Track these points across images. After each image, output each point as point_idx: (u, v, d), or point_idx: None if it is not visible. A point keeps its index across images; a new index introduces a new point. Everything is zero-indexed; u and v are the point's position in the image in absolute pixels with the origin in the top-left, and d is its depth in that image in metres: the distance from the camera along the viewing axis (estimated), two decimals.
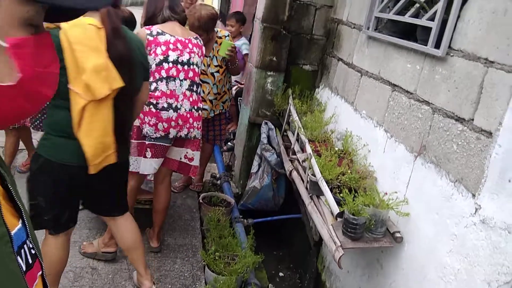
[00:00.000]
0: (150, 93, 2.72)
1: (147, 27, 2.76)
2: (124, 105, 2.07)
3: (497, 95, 1.56)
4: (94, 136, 1.97)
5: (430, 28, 1.92)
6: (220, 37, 3.56)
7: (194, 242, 3.40)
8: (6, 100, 0.58)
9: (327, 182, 2.27)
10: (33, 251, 0.69)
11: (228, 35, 3.60)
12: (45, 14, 0.64)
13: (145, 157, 2.84)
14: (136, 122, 2.77)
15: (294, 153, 2.97)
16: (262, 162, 3.39)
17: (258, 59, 3.48)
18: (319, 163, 2.39)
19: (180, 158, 3.02)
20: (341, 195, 2.14)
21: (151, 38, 2.70)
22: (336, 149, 2.66)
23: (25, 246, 0.67)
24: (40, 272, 0.71)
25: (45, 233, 2.27)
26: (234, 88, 4.65)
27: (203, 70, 3.47)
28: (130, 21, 3.58)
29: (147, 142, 2.80)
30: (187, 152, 3.01)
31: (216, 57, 3.55)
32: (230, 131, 4.98)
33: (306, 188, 2.50)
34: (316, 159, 2.45)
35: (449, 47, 1.83)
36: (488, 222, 1.54)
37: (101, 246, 2.96)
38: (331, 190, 2.24)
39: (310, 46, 3.47)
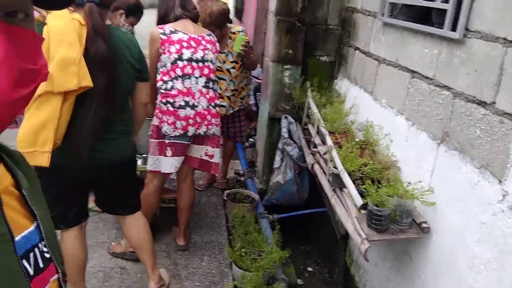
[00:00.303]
0: (167, 91, 2.74)
1: (160, 26, 2.77)
2: (98, 103, 2.00)
3: None
4: (33, 123, 1.89)
5: (445, 11, 1.86)
6: (234, 33, 3.54)
7: (220, 239, 3.42)
8: None
9: (349, 174, 2.24)
10: (47, 255, 0.69)
11: (242, 30, 3.59)
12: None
13: (165, 156, 2.86)
14: (155, 121, 2.80)
15: (315, 146, 2.94)
16: (285, 156, 3.37)
17: (274, 53, 3.45)
18: (340, 155, 2.36)
19: (201, 156, 3.03)
20: (364, 186, 2.10)
21: (164, 37, 2.72)
22: (357, 140, 2.62)
23: (36, 249, 0.67)
24: (55, 277, 0.71)
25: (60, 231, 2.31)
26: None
27: (218, 67, 3.46)
28: (136, 8, 3.58)
29: (166, 141, 2.82)
30: (207, 149, 3.02)
31: (231, 53, 3.54)
32: (251, 127, 4.97)
33: (329, 181, 2.47)
34: (337, 151, 2.42)
35: (466, 29, 1.77)
36: None
37: (128, 246, 3.01)
38: (353, 181, 2.21)
39: (326, 37, 3.42)
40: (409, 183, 2.05)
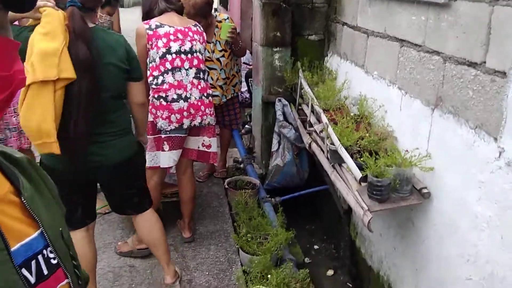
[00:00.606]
0: (158, 86, 2.73)
1: (145, 21, 2.75)
2: (79, 103, 2.01)
3: (506, 33, 1.50)
4: (31, 118, 1.93)
5: None
6: (220, 21, 3.53)
7: (225, 227, 3.44)
8: None
9: (346, 149, 2.25)
10: (53, 261, 0.68)
11: (227, 18, 3.57)
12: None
13: (163, 150, 2.87)
14: (150, 118, 2.80)
15: (311, 125, 2.95)
16: (282, 139, 3.38)
17: (262, 37, 3.44)
18: (336, 131, 2.37)
19: (198, 147, 3.04)
20: (362, 159, 2.11)
21: (150, 32, 2.70)
22: (352, 114, 2.62)
23: (39, 256, 0.66)
24: (65, 282, 0.70)
25: None
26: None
27: (208, 57, 3.45)
28: None
29: (163, 136, 2.83)
30: (203, 140, 3.03)
31: (219, 42, 3.53)
32: (246, 113, 4.97)
33: (327, 158, 2.49)
34: (333, 127, 2.42)
35: None
36: None
37: (135, 243, 3.03)
38: (351, 156, 2.22)
39: (313, 15, 3.40)
40: (406, 151, 2.06)
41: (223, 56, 3.58)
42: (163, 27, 2.73)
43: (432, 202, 2.00)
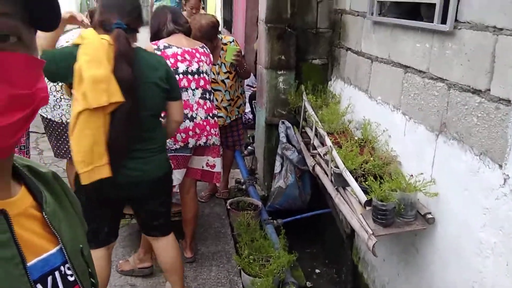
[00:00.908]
0: None
1: (154, 42, 2.80)
2: (122, 122, 2.07)
3: (510, 62, 1.53)
4: (84, 144, 1.99)
5: (434, 4, 1.90)
6: (225, 43, 3.59)
7: (227, 248, 3.43)
8: None
9: (351, 172, 2.26)
10: (70, 278, 0.68)
11: (233, 41, 3.63)
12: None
13: None
14: None
15: (314, 148, 2.97)
16: (284, 161, 3.40)
17: (267, 60, 3.49)
18: (340, 154, 2.39)
19: (202, 167, 3.05)
20: (366, 183, 2.12)
21: (159, 53, 2.74)
22: (356, 138, 2.65)
23: (56, 272, 0.66)
24: None
25: None
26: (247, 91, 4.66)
27: (213, 78, 3.50)
28: None
29: (168, 155, 2.84)
30: (208, 160, 3.04)
31: (224, 64, 3.58)
32: (249, 135, 5.00)
33: (331, 181, 2.50)
34: (337, 150, 2.44)
35: (456, 20, 1.81)
36: None
37: (136, 262, 3.02)
38: (356, 179, 2.23)
39: (317, 40, 3.46)
40: (411, 175, 2.08)
41: (228, 78, 3.62)
42: (171, 48, 2.77)
43: (436, 228, 2.00)
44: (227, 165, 4.12)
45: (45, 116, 3.33)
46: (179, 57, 2.78)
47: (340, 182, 2.37)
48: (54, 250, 0.67)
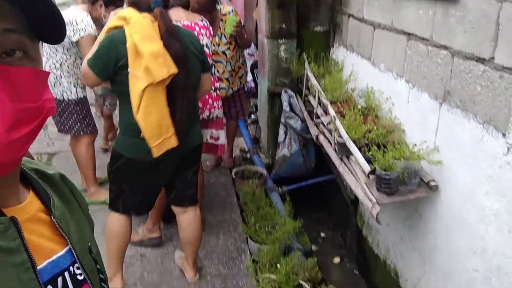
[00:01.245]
0: None
1: None
2: (180, 94, 2.16)
3: None
4: (151, 119, 2.08)
5: None
6: (225, 14, 3.53)
7: (233, 216, 3.50)
8: None
9: (354, 142, 2.28)
10: (79, 277, 0.70)
11: (232, 11, 3.57)
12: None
13: None
14: None
15: (317, 116, 2.98)
16: (288, 130, 3.41)
17: (268, 29, 3.45)
18: (344, 124, 2.40)
19: (206, 139, 3.08)
20: (370, 152, 2.14)
21: None
22: (359, 107, 2.65)
23: (65, 273, 0.68)
24: None
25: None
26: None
27: (213, 50, 3.47)
28: None
29: None
30: (212, 133, 3.06)
31: (224, 35, 3.54)
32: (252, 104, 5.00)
33: (335, 150, 2.52)
34: (340, 120, 2.45)
35: None
36: None
37: (145, 233, 3.09)
38: (359, 149, 2.25)
39: (318, 7, 3.40)
40: (415, 144, 2.10)
41: (228, 49, 3.59)
42: None
43: (440, 195, 2.04)
44: (231, 134, 4.14)
45: None
46: None
47: (344, 151, 2.39)
48: (63, 252, 0.69)
